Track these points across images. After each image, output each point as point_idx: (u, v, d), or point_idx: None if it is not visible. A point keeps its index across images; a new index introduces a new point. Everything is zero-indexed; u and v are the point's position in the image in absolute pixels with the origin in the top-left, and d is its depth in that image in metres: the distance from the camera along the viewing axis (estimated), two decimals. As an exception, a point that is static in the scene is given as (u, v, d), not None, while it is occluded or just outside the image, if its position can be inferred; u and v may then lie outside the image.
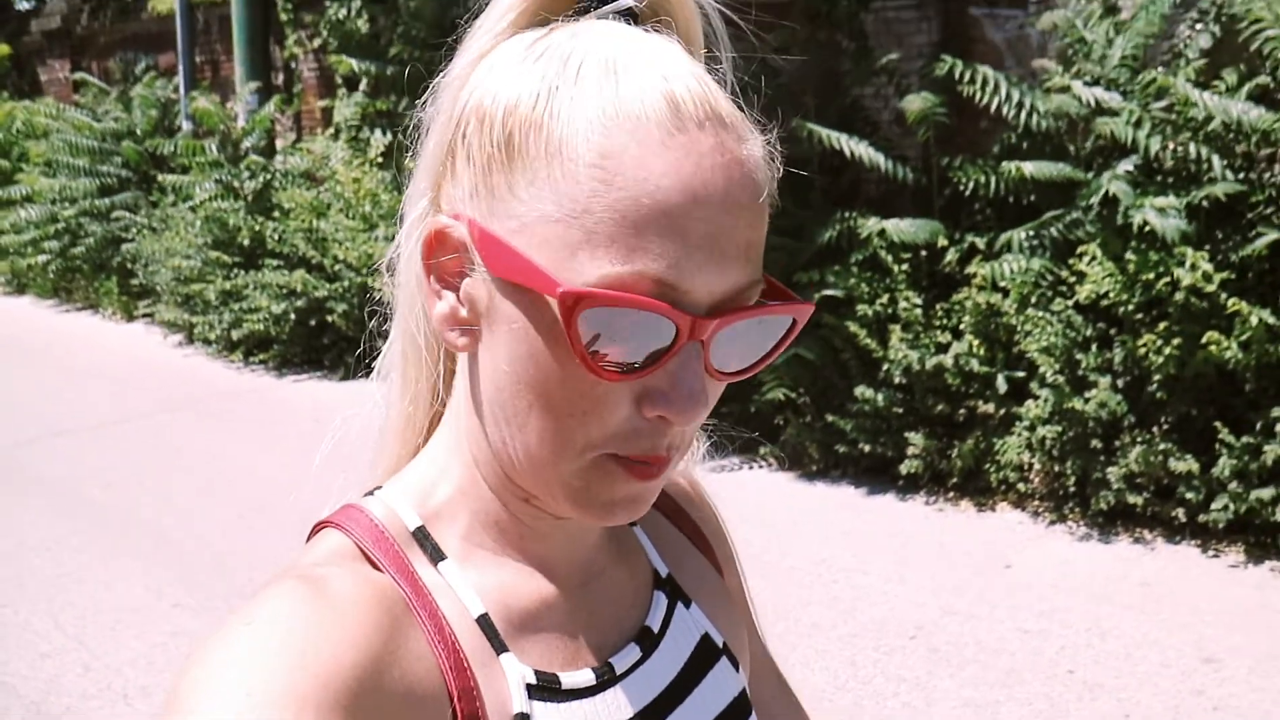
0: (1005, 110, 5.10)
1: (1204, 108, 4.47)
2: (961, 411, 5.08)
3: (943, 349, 5.04)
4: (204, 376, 8.15)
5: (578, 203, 0.58)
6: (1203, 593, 4.11)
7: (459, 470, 0.70)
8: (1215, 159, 4.52)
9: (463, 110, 0.65)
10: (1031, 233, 4.97)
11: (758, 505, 5.05)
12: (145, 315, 9.89)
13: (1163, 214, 4.42)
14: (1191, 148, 4.60)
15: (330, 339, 8.03)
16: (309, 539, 0.71)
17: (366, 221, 7.85)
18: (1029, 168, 4.91)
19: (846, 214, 5.44)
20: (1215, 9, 4.89)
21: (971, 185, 5.23)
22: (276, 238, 8.21)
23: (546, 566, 0.72)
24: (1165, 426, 4.55)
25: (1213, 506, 4.35)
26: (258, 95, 9.53)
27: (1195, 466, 4.35)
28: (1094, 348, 4.69)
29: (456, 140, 0.65)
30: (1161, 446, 4.43)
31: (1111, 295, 4.55)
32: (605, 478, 0.64)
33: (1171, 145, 4.68)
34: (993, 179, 5.13)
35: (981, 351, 4.94)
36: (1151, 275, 4.46)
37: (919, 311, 5.09)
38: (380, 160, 8.27)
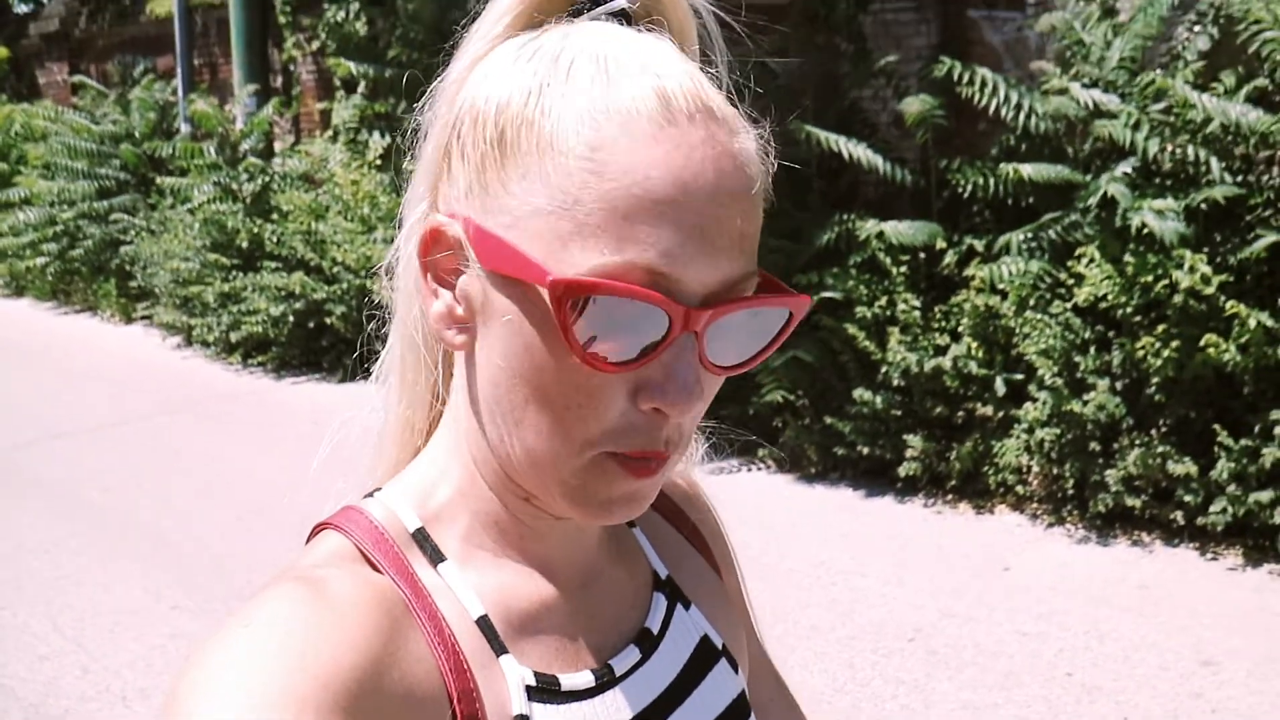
0: (1004, 112, 5.10)
1: (1202, 110, 4.48)
2: (960, 414, 5.08)
3: (941, 351, 5.04)
4: (202, 379, 8.15)
5: (569, 194, 0.59)
6: (1201, 595, 4.11)
7: (458, 471, 0.71)
8: (1214, 161, 4.52)
9: (458, 112, 0.65)
10: (1030, 235, 4.97)
11: (756, 507, 5.05)
12: (144, 317, 9.89)
13: (1161, 216, 4.42)
14: (1190, 150, 4.60)
15: (329, 341, 8.03)
16: (308, 541, 0.71)
17: (365, 224, 7.85)
18: (1027, 170, 4.91)
19: (845, 216, 5.44)
20: (1213, 11, 4.90)
21: (970, 187, 5.23)
22: (275, 240, 8.21)
23: (546, 568, 0.72)
24: (1164, 429, 4.55)
25: (1211, 509, 4.35)
26: (256, 98, 9.53)
27: (1194, 469, 4.35)
28: (1092, 350, 4.69)
29: (452, 141, 0.65)
30: (1160, 449, 4.43)
31: (1110, 297, 4.55)
32: (603, 476, 0.64)
33: (1170, 147, 4.68)
34: (991, 181, 5.13)
35: (980, 354, 4.94)
36: (1150, 277, 4.46)
37: (917, 314, 5.09)
38: (378, 162, 8.27)
